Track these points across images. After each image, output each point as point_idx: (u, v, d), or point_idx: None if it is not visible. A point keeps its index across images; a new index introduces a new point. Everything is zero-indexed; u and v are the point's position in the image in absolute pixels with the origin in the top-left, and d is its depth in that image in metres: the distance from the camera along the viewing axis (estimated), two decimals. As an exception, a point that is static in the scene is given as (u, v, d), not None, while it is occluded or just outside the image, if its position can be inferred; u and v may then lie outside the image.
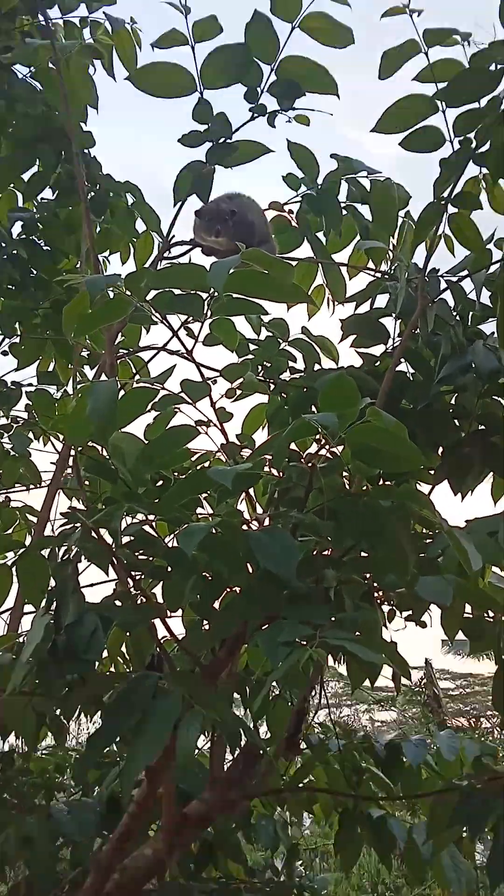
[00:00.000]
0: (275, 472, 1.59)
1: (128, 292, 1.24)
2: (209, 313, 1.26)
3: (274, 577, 1.16)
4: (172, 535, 1.38)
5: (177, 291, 1.26)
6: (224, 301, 1.15)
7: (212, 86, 1.71)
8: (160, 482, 1.58)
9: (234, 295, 1.21)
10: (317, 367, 1.99)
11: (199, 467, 1.87)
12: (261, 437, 2.07)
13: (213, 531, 1.22)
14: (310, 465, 1.66)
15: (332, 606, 1.22)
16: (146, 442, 1.39)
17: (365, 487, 1.52)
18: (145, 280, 1.19)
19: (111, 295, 1.27)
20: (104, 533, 1.34)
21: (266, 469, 1.79)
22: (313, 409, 1.94)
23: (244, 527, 1.35)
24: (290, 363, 2.02)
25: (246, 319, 1.92)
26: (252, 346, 1.99)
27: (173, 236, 1.96)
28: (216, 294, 1.22)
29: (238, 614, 1.25)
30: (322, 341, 1.99)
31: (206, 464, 1.97)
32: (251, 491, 1.80)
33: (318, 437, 1.50)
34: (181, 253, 2.01)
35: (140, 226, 2.40)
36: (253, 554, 1.15)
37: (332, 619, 1.14)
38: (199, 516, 1.72)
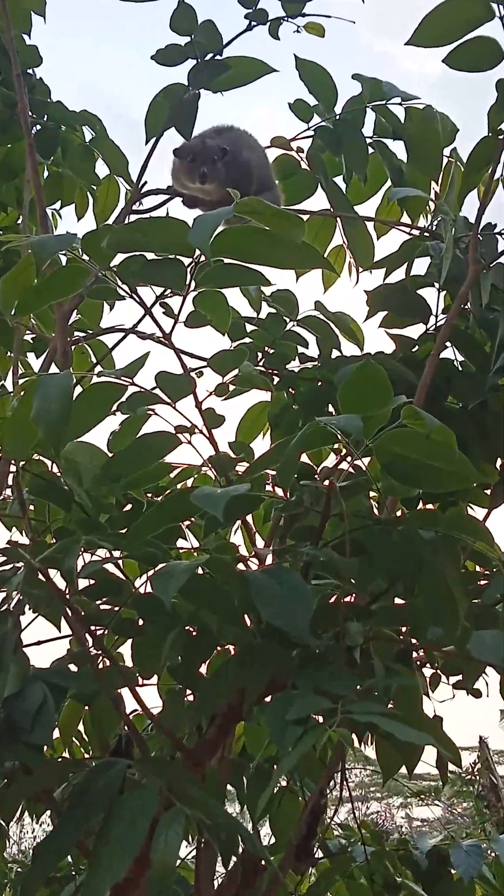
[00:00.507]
0: (280, 492, 1.59)
1: (86, 257, 1.24)
2: (193, 285, 1.26)
3: (280, 633, 1.15)
4: (145, 578, 1.37)
5: (151, 256, 1.26)
6: (213, 268, 1.15)
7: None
8: (128, 506, 1.59)
9: (226, 260, 1.22)
10: (335, 353, 2.01)
11: (179, 487, 1.90)
12: (261, 446, 2.09)
13: (200, 572, 1.22)
14: (326, 482, 1.66)
15: (358, 671, 1.21)
16: (110, 454, 1.40)
17: (400, 513, 1.52)
18: (108, 240, 1.19)
19: (64, 261, 1.27)
20: (55, 575, 1.34)
21: (268, 489, 1.80)
22: (331, 409, 1.97)
23: (240, 566, 1.35)
24: (300, 349, 2.04)
25: (242, 292, 1.93)
26: (250, 328, 2.00)
27: (145, 183, 1.98)
28: (202, 259, 1.22)
29: (232, 682, 1.25)
30: (342, 320, 2.00)
31: (189, 482, 2.00)
32: (248, 518, 1.80)
33: (337, 446, 1.50)
34: (156, 205, 2.03)
35: (101, 169, 2.41)
36: (252, 602, 1.15)
37: (359, 687, 1.14)
38: (181, 551, 1.73)
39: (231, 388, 1.51)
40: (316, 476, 1.79)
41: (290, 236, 1.15)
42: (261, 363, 2.03)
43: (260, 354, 2.02)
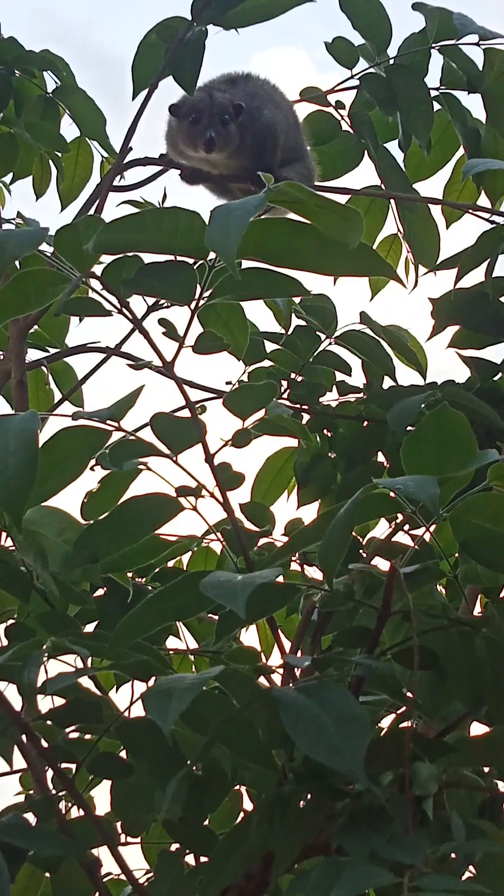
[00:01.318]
0: (317, 572, 1.58)
1: (57, 258, 1.25)
2: (205, 295, 1.27)
3: (322, 776, 1.15)
4: (134, 698, 1.37)
5: (148, 257, 1.27)
6: (234, 275, 1.15)
7: None
8: (100, 589, 1.59)
9: (253, 263, 1.23)
10: (387, 382, 2.02)
11: (174, 562, 1.89)
12: (284, 510, 2.09)
13: (208, 689, 1.21)
14: (376, 561, 1.65)
15: (431, 830, 1.20)
16: (85, 523, 1.40)
17: (484, 610, 1.51)
18: (96, 240, 1.20)
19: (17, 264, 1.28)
20: (6, 689, 1.34)
21: (295, 563, 1.80)
22: (380, 457, 1.97)
23: (262, 679, 1.35)
24: (339, 376, 2.05)
25: (266, 302, 1.94)
26: (270, 346, 2.01)
27: (130, 150, 1.99)
28: (218, 262, 1.23)
29: (255, 844, 1.23)
30: (397, 337, 2.01)
31: (186, 557, 1.99)
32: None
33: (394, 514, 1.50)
34: (143, 180, 2.04)
35: (69, 129, 2.43)
36: (283, 732, 1.14)
37: (430, 852, 1.13)
38: (171, 653, 1.72)
39: (251, 433, 1.50)
40: (362, 551, 1.79)
41: (343, 235, 1.15)
42: (285, 393, 2.03)
43: (285, 382, 2.03)
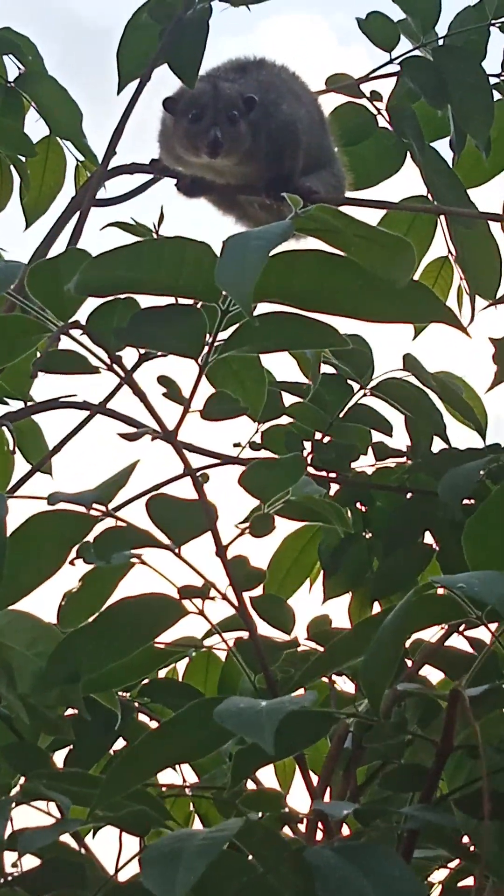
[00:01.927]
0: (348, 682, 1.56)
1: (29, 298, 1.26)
2: (216, 349, 1.27)
3: None
4: (131, 856, 1.36)
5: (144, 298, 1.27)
6: (251, 322, 1.16)
7: None
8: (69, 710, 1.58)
9: (277, 307, 1.23)
10: (437, 444, 2.03)
11: (166, 670, 1.88)
12: (306, 604, 2.08)
13: (226, 849, 1.20)
14: (416, 666, 1.63)
15: None
16: (63, 632, 1.39)
17: None
18: (79, 279, 1.20)
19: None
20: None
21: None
22: (428, 538, 1.96)
23: (286, 830, 1.34)
24: (376, 436, 2.04)
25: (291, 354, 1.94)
26: (289, 398, 2.00)
27: (113, 154, 1.99)
28: (233, 306, 1.23)
29: None
30: (448, 386, 2.01)
31: (182, 665, 1.98)
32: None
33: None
34: (130, 192, 2.04)
35: (35, 127, 2.45)
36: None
37: None
38: (163, 790, 1.71)
39: (271, 517, 1.50)
40: (409, 661, 1.78)
41: (390, 272, 1.16)
42: (308, 457, 2.03)
43: (309, 444, 2.02)
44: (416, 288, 1.21)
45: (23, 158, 2.39)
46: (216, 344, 1.29)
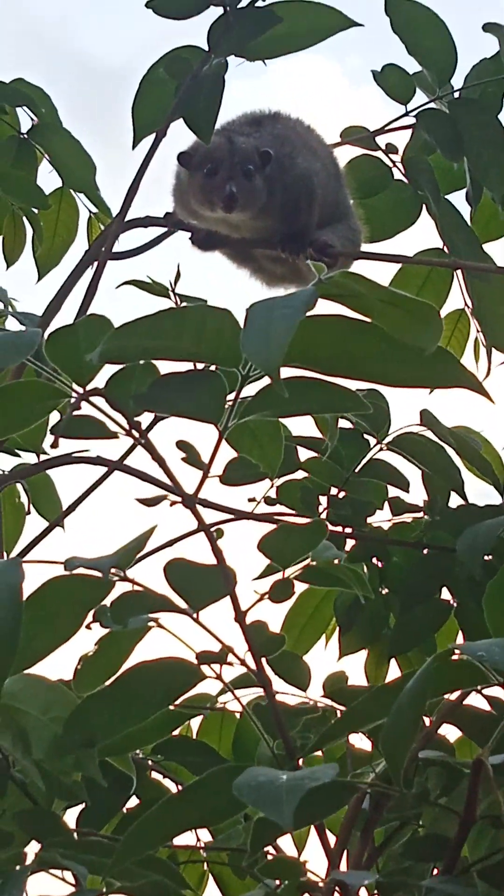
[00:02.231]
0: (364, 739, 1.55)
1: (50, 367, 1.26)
2: (236, 414, 1.27)
3: None
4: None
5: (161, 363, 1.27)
6: (280, 392, 1.15)
7: None
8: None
9: (298, 372, 1.23)
10: (454, 500, 2.02)
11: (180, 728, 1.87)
12: (321, 660, 2.07)
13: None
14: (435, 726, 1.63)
15: None
16: (79, 696, 1.39)
17: None
18: (102, 349, 1.20)
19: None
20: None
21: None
22: (445, 594, 1.95)
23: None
24: (393, 490, 2.04)
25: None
26: (305, 453, 2.00)
27: (129, 209, 1.99)
28: (254, 371, 1.24)
29: None
30: (466, 442, 2.01)
31: (197, 720, 1.96)
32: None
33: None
34: (143, 245, 2.04)
35: (49, 178, 2.45)
36: None
37: None
38: (177, 851, 1.69)
39: (290, 581, 1.49)
40: (429, 722, 1.77)
41: (415, 338, 1.15)
42: (323, 511, 2.02)
43: (323, 499, 2.02)
44: (439, 353, 1.20)
45: (35, 210, 2.39)
46: (235, 407, 1.29)
